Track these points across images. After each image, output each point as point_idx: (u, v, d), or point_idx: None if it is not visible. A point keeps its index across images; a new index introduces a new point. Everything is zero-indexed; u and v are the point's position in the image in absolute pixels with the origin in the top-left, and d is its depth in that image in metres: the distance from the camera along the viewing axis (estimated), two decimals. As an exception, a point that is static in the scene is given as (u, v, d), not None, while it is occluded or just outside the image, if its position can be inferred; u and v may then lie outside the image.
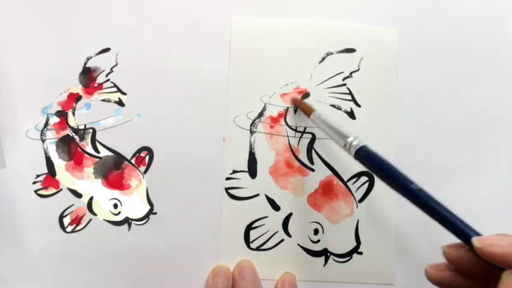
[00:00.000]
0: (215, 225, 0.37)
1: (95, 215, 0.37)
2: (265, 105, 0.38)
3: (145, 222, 0.37)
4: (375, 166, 0.29)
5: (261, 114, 0.38)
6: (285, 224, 0.37)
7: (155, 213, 0.37)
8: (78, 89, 0.37)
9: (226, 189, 0.37)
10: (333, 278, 0.37)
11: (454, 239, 0.25)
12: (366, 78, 0.38)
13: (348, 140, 0.30)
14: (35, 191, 0.37)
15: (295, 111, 0.38)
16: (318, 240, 0.37)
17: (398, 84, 0.38)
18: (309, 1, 0.38)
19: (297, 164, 0.37)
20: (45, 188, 0.37)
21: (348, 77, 0.38)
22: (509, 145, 0.38)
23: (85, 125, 0.37)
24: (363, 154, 0.29)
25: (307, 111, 0.35)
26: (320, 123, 0.34)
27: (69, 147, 0.37)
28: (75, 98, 0.37)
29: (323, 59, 0.38)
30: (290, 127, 0.38)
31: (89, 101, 0.37)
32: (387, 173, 0.28)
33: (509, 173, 0.38)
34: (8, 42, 0.37)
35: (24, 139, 0.37)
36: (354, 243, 0.37)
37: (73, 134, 0.37)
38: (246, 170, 0.37)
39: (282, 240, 0.37)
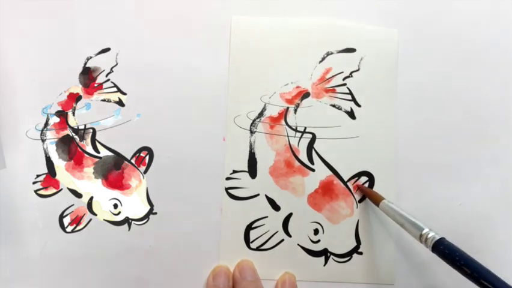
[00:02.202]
0: (215, 225, 0.37)
1: (95, 215, 0.37)
2: (265, 105, 0.38)
3: (145, 222, 0.37)
4: (456, 259, 0.28)
5: (261, 114, 0.38)
6: (285, 224, 0.37)
7: (155, 213, 0.37)
8: (78, 89, 0.37)
9: (226, 189, 0.37)
10: (333, 278, 0.37)
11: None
12: (366, 78, 0.38)
13: (424, 231, 0.30)
14: (35, 191, 0.37)
15: (295, 110, 0.38)
16: (318, 240, 0.37)
17: (398, 84, 0.38)
18: (309, 1, 0.38)
19: (297, 164, 0.37)
20: (45, 188, 0.37)
21: (348, 76, 0.38)
22: (509, 144, 0.38)
23: (85, 125, 0.37)
24: (443, 247, 0.29)
25: (376, 199, 0.35)
26: (390, 211, 0.34)
27: (69, 147, 0.37)
28: (75, 98, 0.37)
29: (323, 58, 0.38)
30: (290, 127, 0.38)
31: (89, 101, 0.37)
32: (470, 267, 0.27)
33: (509, 172, 0.38)
34: (8, 42, 0.37)
35: (24, 139, 0.37)
36: (354, 243, 0.37)
37: (73, 134, 0.37)
38: (246, 170, 0.37)
39: (282, 240, 0.37)
